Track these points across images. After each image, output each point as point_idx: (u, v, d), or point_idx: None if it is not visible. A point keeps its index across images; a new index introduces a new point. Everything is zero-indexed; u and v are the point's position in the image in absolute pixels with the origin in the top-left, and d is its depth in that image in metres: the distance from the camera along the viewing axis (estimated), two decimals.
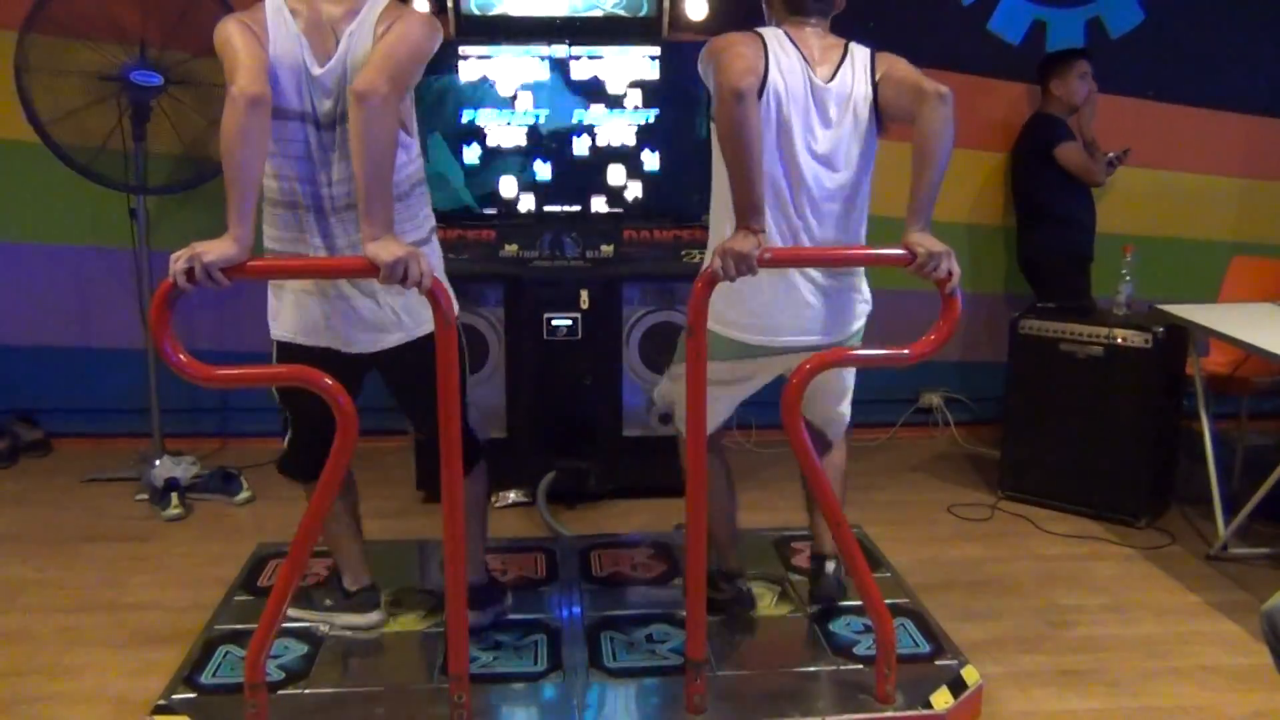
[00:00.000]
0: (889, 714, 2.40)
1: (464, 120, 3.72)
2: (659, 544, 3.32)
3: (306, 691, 2.47)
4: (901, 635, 2.67)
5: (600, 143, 3.76)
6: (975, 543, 3.60)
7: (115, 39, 3.83)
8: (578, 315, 3.69)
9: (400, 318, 2.43)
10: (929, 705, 2.42)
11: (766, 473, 4.14)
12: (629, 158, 3.78)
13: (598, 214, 3.79)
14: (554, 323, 3.69)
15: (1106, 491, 3.72)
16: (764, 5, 2.60)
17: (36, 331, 4.36)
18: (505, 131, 3.74)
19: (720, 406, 2.61)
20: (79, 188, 3.92)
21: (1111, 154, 4.35)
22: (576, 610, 2.89)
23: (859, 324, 2.64)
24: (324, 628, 2.73)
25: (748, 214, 2.25)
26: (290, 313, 2.44)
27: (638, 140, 3.76)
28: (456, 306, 2.33)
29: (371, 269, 2.11)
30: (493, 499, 3.79)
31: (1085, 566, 3.41)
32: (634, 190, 3.79)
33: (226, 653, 2.61)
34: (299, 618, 2.74)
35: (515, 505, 3.82)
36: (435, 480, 2.41)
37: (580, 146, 3.77)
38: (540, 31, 3.72)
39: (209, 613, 2.86)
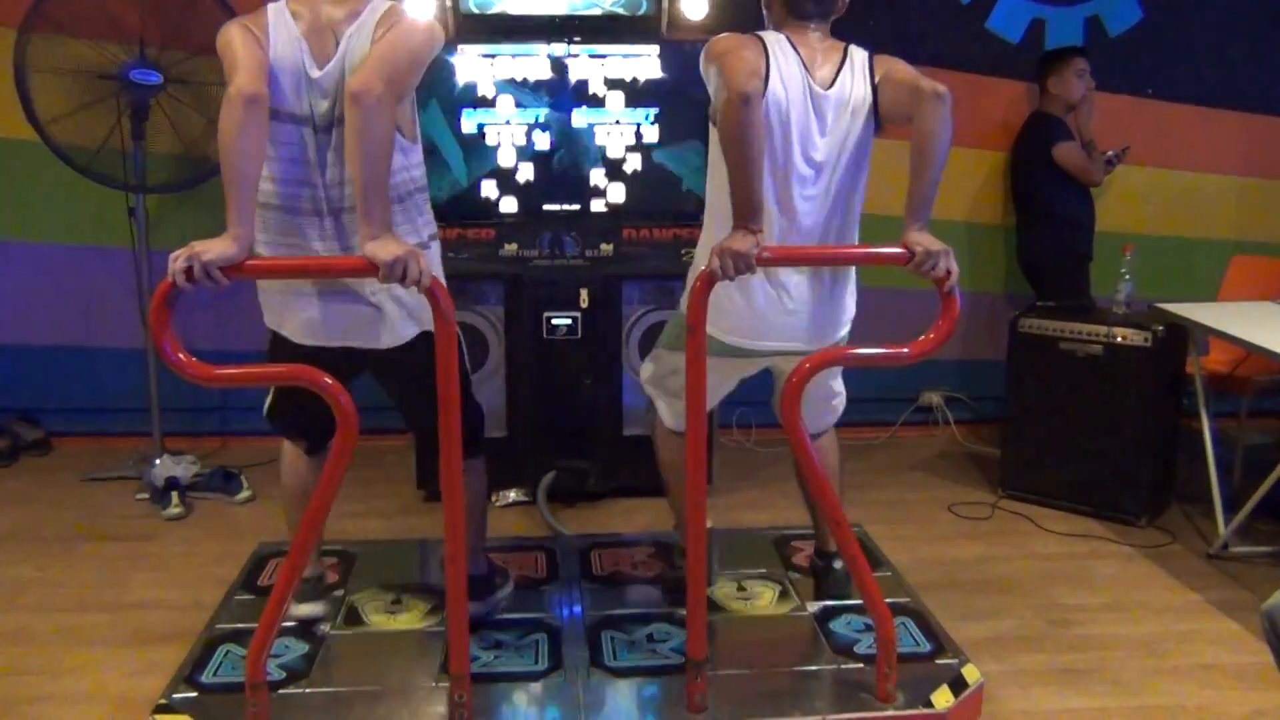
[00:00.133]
0: (890, 713, 2.40)
1: (464, 120, 3.72)
2: (659, 543, 3.31)
3: (307, 691, 2.47)
4: (902, 634, 2.67)
5: (600, 141, 3.76)
6: (975, 542, 3.60)
7: (115, 38, 3.83)
8: (578, 314, 3.69)
9: (394, 318, 2.43)
10: (930, 704, 2.42)
11: (766, 472, 4.15)
12: (629, 157, 3.77)
13: (597, 213, 3.79)
14: (554, 322, 3.69)
15: (1106, 490, 3.72)
16: (764, 8, 2.59)
17: (36, 331, 4.36)
18: (505, 130, 3.73)
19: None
20: (79, 187, 3.93)
21: (1110, 152, 4.35)
22: (577, 609, 2.89)
23: (844, 331, 2.65)
24: None
25: (747, 214, 2.24)
26: (282, 310, 2.44)
27: (637, 139, 3.76)
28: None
29: (370, 268, 2.11)
30: (493, 498, 3.79)
31: (1085, 565, 3.41)
32: (633, 189, 3.79)
33: (227, 652, 2.61)
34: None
35: (515, 504, 3.82)
36: (435, 479, 2.42)
37: (580, 145, 3.77)
38: (539, 30, 3.72)
39: (209, 612, 2.86)
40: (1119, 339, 3.66)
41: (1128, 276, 3.79)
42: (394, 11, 2.32)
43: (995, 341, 4.29)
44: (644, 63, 3.73)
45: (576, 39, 3.71)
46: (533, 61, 3.71)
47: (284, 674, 2.52)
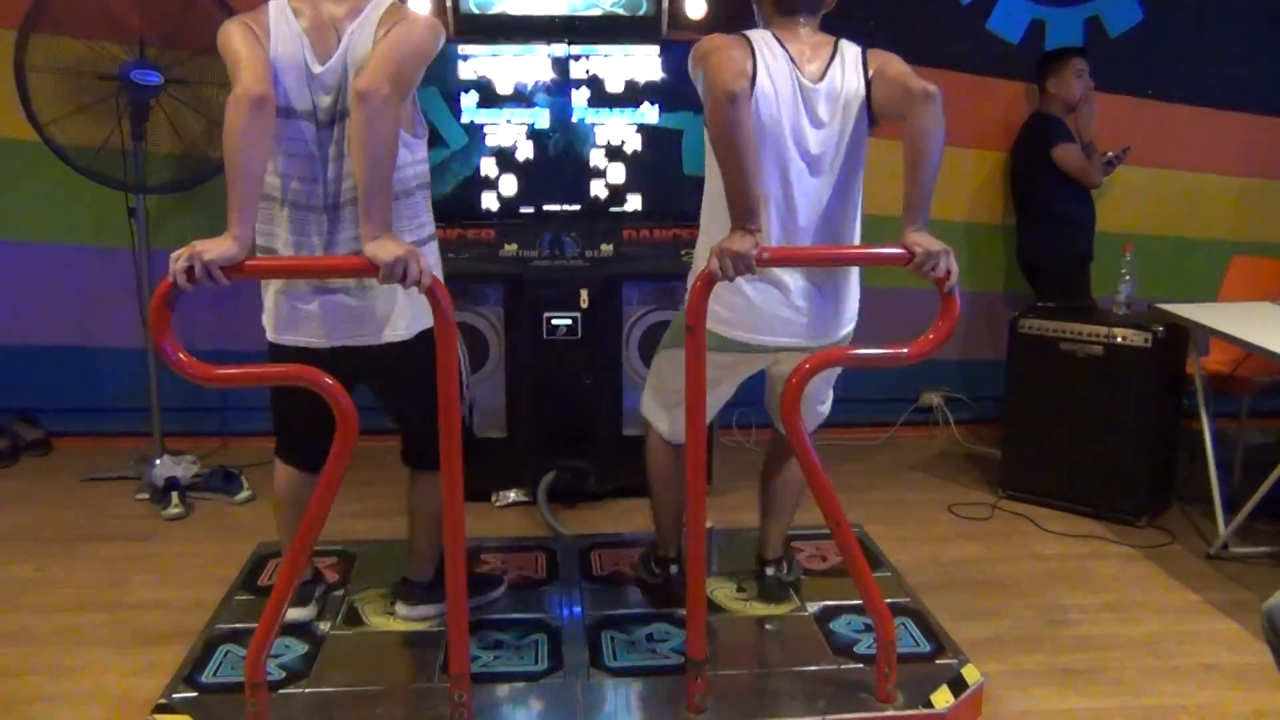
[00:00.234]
0: (889, 713, 2.40)
1: (464, 120, 3.72)
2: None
3: (307, 691, 2.47)
4: (902, 634, 2.67)
5: (600, 142, 3.76)
6: (975, 542, 3.60)
7: (115, 38, 3.83)
8: (577, 315, 3.69)
9: (390, 317, 2.43)
10: (929, 704, 2.42)
11: None
12: (629, 157, 3.78)
13: (597, 213, 3.79)
14: (554, 322, 3.69)
15: (1107, 491, 3.72)
16: (754, 6, 2.59)
17: (36, 331, 4.36)
18: (505, 131, 3.74)
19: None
20: (79, 187, 3.93)
21: (1111, 153, 4.35)
22: (577, 610, 2.89)
23: (847, 329, 2.64)
24: None
25: (744, 214, 2.24)
26: (278, 311, 2.44)
27: (637, 139, 3.76)
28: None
29: (371, 268, 2.11)
30: (493, 498, 3.80)
31: (1085, 566, 3.41)
32: (634, 189, 3.79)
33: (227, 652, 2.61)
34: None
35: (515, 504, 3.82)
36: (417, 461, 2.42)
37: (580, 146, 3.77)
38: (540, 30, 3.72)
39: (209, 612, 2.86)
40: (1119, 339, 3.66)
41: (1128, 277, 3.79)
42: (396, 8, 2.33)
43: (995, 342, 4.29)
44: (644, 63, 3.73)
45: (577, 39, 3.71)
46: (533, 61, 3.71)
47: (284, 674, 2.52)
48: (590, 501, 3.83)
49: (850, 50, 2.49)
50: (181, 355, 2.06)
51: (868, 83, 2.45)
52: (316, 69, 2.29)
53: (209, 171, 3.87)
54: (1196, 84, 4.64)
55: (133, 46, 3.80)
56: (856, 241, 2.60)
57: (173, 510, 3.73)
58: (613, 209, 3.79)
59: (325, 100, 2.30)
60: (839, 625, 2.77)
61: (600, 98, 3.74)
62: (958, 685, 2.49)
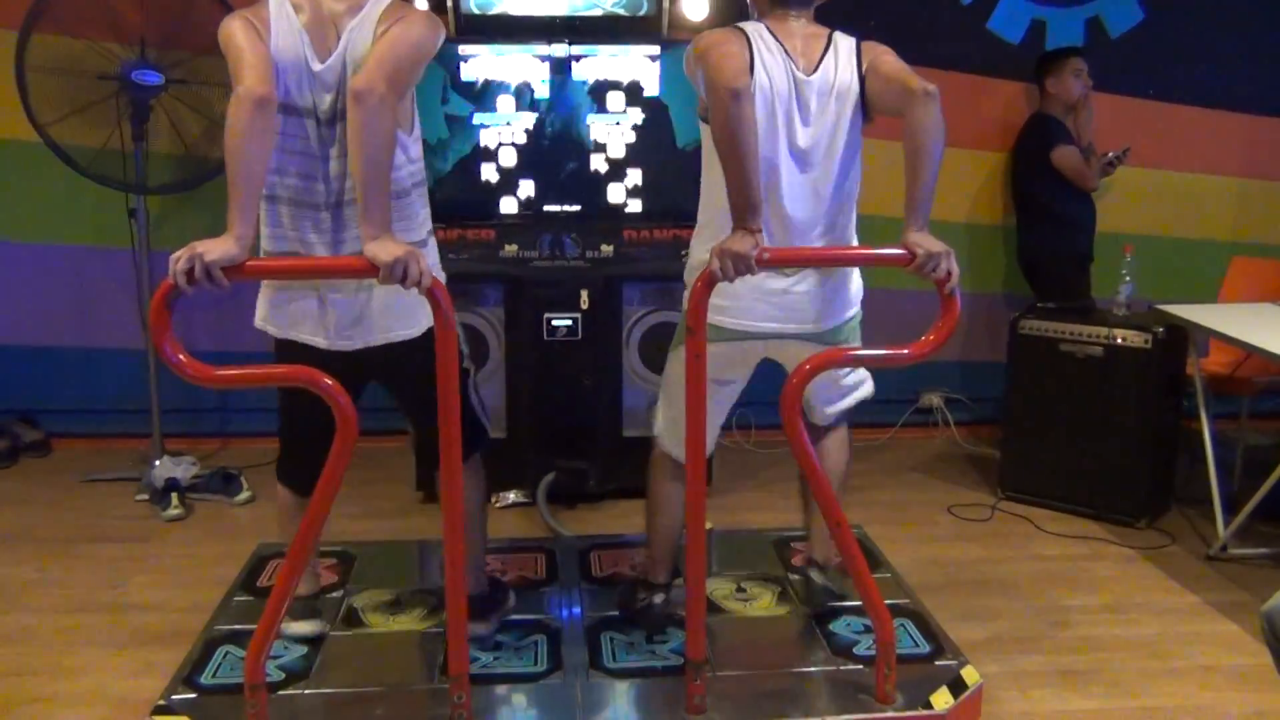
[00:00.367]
0: (889, 714, 2.39)
1: (464, 120, 3.72)
2: None
3: (306, 692, 2.47)
4: (901, 635, 2.67)
5: (600, 142, 3.76)
6: (975, 543, 3.60)
7: (115, 38, 3.83)
8: (578, 315, 3.68)
9: (390, 317, 2.43)
10: (929, 705, 2.42)
11: (766, 473, 4.15)
12: (629, 157, 3.77)
13: (598, 214, 3.79)
14: (554, 323, 3.68)
15: (1106, 492, 3.72)
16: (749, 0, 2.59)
17: (36, 331, 4.36)
18: (504, 131, 3.73)
19: (709, 417, 2.47)
20: (79, 187, 3.93)
21: (1111, 153, 4.35)
22: (576, 610, 2.89)
23: (851, 312, 2.61)
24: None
25: (745, 213, 2.24)
26: (293, 314, 2.44)
27: (638, 139, 3.76)
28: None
29: (371, 269, 2.11)
30: (493, 499, 3.79)
31: (1085, 567, 3.41)
32: (634, 190, 3.79)
33: (226, 653, 2.61)
34: None
35: (515, 505, 3.82)
36: (434, 481, 2.42)
37: (580, 146, 3.76)
38: (540, 31, 3.72)
39: (209, 613, 2.85)
40: (1119, 340, 3.66)
41: (1128, 278, 3.79)
42: (396, 6, 2.32)
43: (995, 343, 4.29)
44: (645, 63, 3.73)
45: (577, 39, 3.71)
46: (533, 62, 3.71)
47: (283, 675, 2.52)
48: (590, 502, 3.83)
49: (844, 43, 2.48)
50: (181, 356, 2.06)
51: (861, 77, 2.44)
52: (316, 66, 2.29)
53: (209, 172, 3.87)
54: (1197, 84, 4.64)
55: (133, 46, 3.80)
56: (853, 238, 2.59)
57: (172, 511, 3.73)
58: (613, 209, 3.79)
59: (326, 98, 2.30)
60: (838, 626, 2.77)
61: (600, 98, 3.74)
62: (957, 686, 2.49)
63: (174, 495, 3.77)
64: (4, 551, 3.44)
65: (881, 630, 2.41)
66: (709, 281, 2.23)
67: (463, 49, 3.68)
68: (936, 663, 2.60)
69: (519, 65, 3.71)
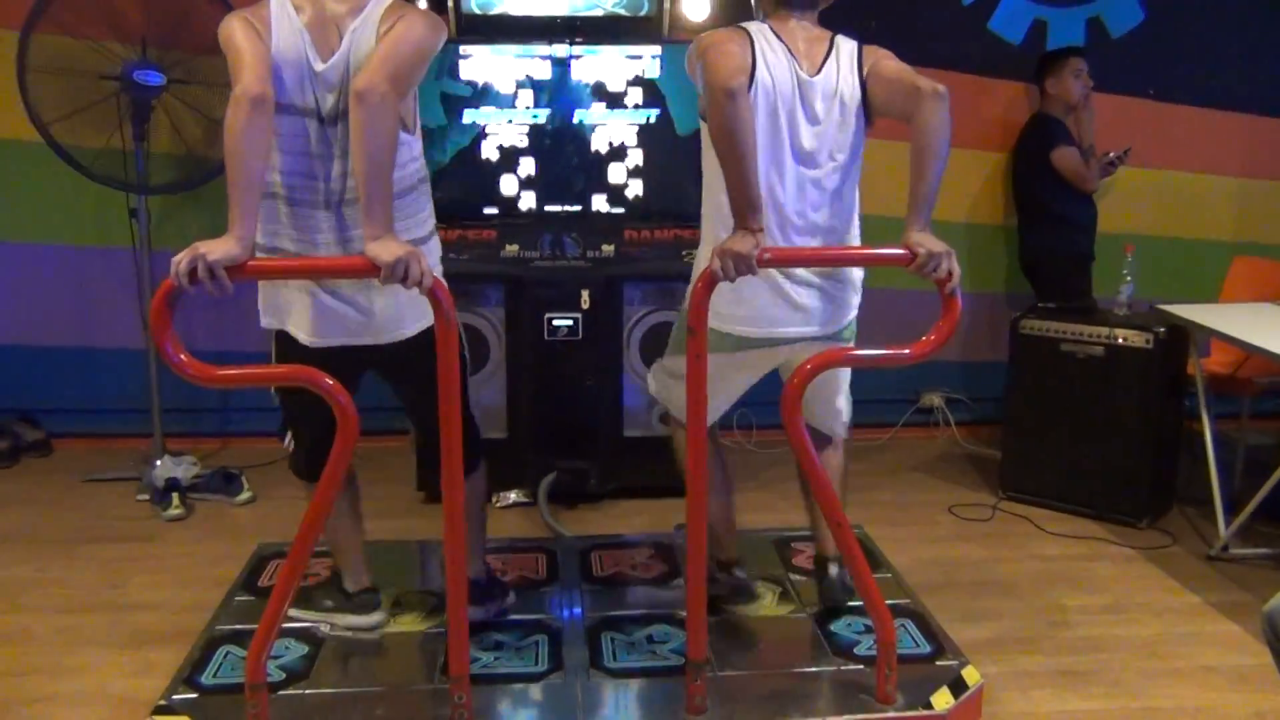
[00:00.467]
0: (889, 714, 2.39)
1: (464, 120, 3.72)
2: (659, 544, 3.31)
3: (307, 692, 2.47)
4: (902, 636, 2.67)
5: (600, 142, 3.76)
6: (976, 543, 3.60)
7: (117, 38, 3.83)
8: (578, 315, 3.68)
9: (393, 316, 2.43)
10: (929, 706, 2.42)
11: (767, 473, 4.14)
12: (629, 157, 3.77)
13: (598, 214, 3.79)
14: (555, 323, 3.68)
15: (1107, 492, 3.72)
16: (753, 0, 2.59)
17: (37, 331, 4.36)
18: (505, 131, 3.73)
19: (717, 401, 2.58)
20: (81, 188, 3.93)
21: (1112, 153, 4.35)
22: (577, 611, 2.89)
23: (852, 314, 2.63)
24: (325, 628, 2.73)
25: (745, 213, 2.24)
26: (285, 307, 2.44)
27: (638, 140, 3.76)
28: None
29: (372, 269, 2.11)
30: (493, 499, 3.79)
31: (1086, 567, 3.41)
32: (634, 190, 3.79)
33: (227, 653, 2.61)
34: (300, 618, 2.74)
35: (516, 505, 3.82)
36: (435, 481, 2.42)
37: (580, 146, 3.77)
38: (540, 31, 3.72)
39: (209, 613, 2.85)
40: (1120, 340, 3.65)
41: (1129, 278, 3.79)
42: (398, 5, 2.32)
43: (996, 342, 4.29)
44: (645, 63, 3.73)
45: (578, 40, 3.71)
46: (534, 62, 3.71)
47: (284, 675, 2.52)
48: (590, 502, 3.83)
49: (846, 46, 2.48)
50: (182, 356, 2.06)
51: (863, 81, 2.44)
52: (319, 66, 2.29)
53: (210, 172, 3.87)
54: (1197, 84, 4.64)
55: (134, 46, 3.80)
56: (855, 239, 2.60)
57: (173, 511, 3.73)
58: (614, 210, 3.79)
59: (328, 98, 2.30)
60: (839, 626, 2.77)
61: (601, 98, 3.74)
62: (958, 687, 2.49)
63: (175, 495, 3.77)
64: (4, 551, 3.44)
65: (882, 630, 2.41)
66: (709, 281, 2.23)
67: (463, 49, 3.68)
68: (937, 663, 2.60)
69: (519, 65, 3.71)
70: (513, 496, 3.83)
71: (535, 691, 2.50)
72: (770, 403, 2.84)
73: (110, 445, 4.32)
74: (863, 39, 2.52)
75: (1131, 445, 3.66)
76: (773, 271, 2.46)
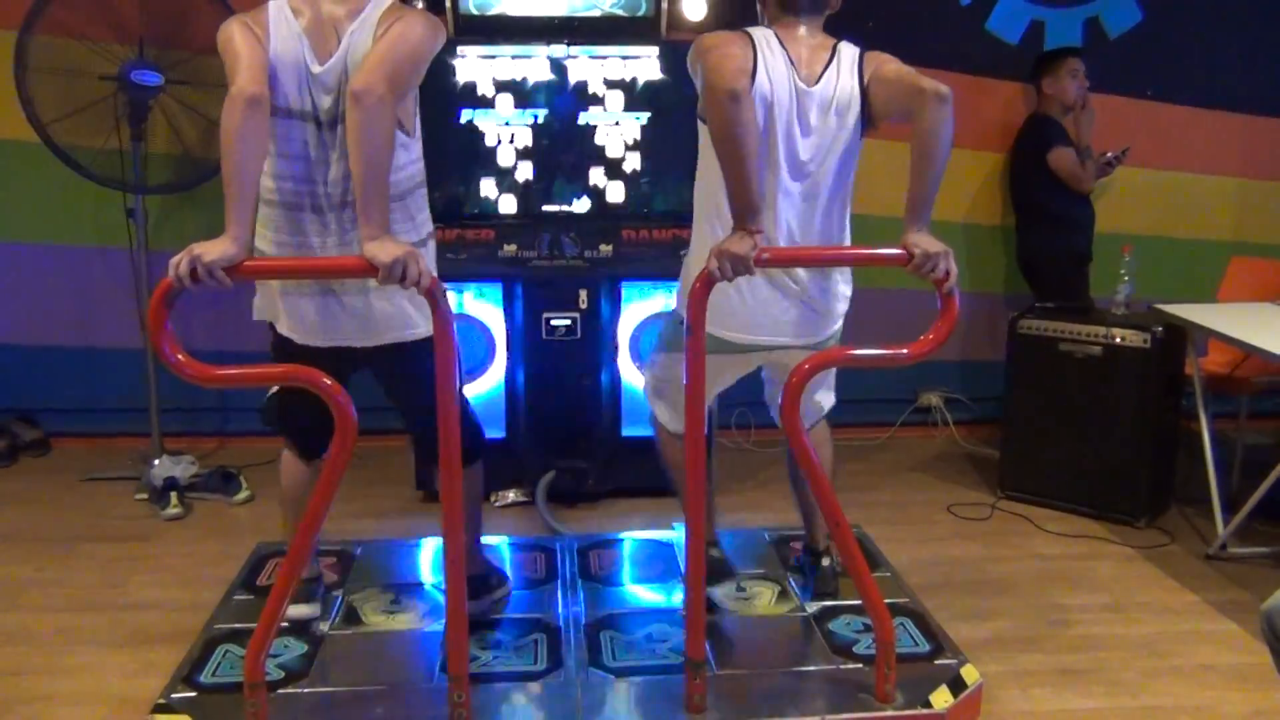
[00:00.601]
0: (889, 713, 2.40)
1: (463, 120, 3.72)
2: (659, 543, 3.31)
3: (306, 691, 2.47)
4: (901, 634, 2.67)
5: (599, 142, 3.76)
6: (975, 542, 3.60)
7: (115, 38, 3.83)
8: (577, 315, 3.69)
9: (391, 318, 2.43)
10: (928, 704, 2.42)
11: (765, 473, 4.15)
12: (628, 157, 3.77)
13: (597, 214, 3.79)
14: (553, 322, 3.69)
15: (1106, 491, 3.72)
16: (758, 4, 2.59)
17: (36, 331, 4.36)
18: (503, 131, 3.73)
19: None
20: (79, 188, 3.93)
21: (1110, 153, 4.35)
22: (576, 610, 2.89)
23: (837, 325, 2.64)
24: None
25: (744, 214, 2.24)
26: (280, 308, 2.45)
27: (636, 140, 3.76)
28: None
29: (370, 269, 2.11)
30: (492, 498, 3.80)
31: (1085, 566, 3.41)
32: (633, 190, 3.79)
33: (226, 652, 2.61)
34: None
35: (515, 505, 3.82)
36: (433, 479, 2.43)
37: (579, 146, 3.76)
38: (539, 31, 3.72)
39: (208, 612, 2.86)
40: (1118, 340, 3.66)
41: (1127, 277, 3.79)
42: (396, 7, 2.32)
43: (995, 342, 4.29)
44: (643, 64, 3.73)
45: (576, 40, 3.71)
46: (532, 62, 3.71)
47: (282, 674, 2.52)
48: (589, 502, 3.83)
49: (848, 53, 2.47)
50: (180, 356, 2.06)
51: (863, 88, 2.43)
52: (316, 69, 2.29)
53: (208, 172, 3.87)
54: (1196, 84, 4.64)
55: (133, 47, 3.80)
56: (847, 241, 2.60)
57: (172, 510, 3.73)
58: (612, 209, 3.79)
59: (326, 101, 2.30)
60: (838, 625, 2.77)
61: (599, 98, 3.74)
62: (957, 685, 2.49)
63: (173, 494, 3.77)
64: (4, 551, 3.43)
65: (881, 629, 2.41)
66: (707, 282, 2.23)
67: (462, 49, 3.68)
68: (936, 662, 2.60)
69: (518, 65, 3.71)
70: (511, 495, 3.84)
71: (534, 690, 2.50)
72: (764, 399, 2.86)
73: (109, 445, 4.32)
74: (863, 41, 2.52)
75: (1130, 444, 3.66)
76: (757, 280, 2.46)
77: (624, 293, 3.75)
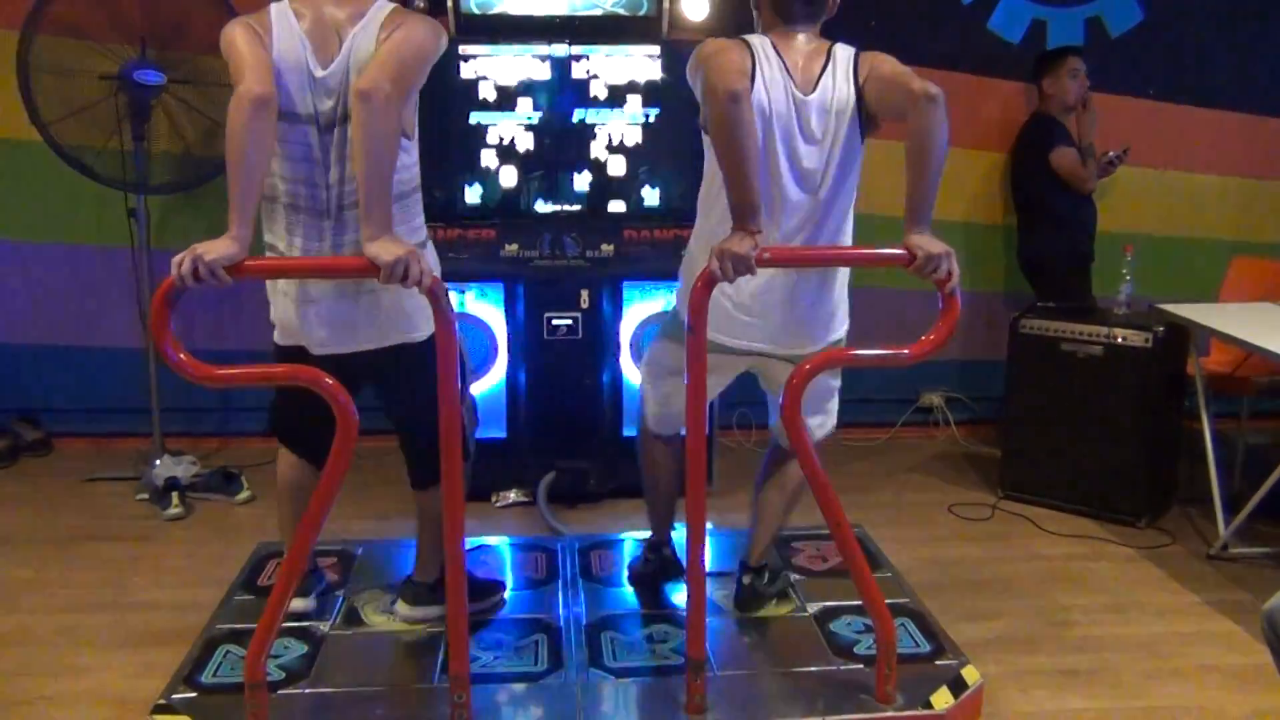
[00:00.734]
0: (889, 714, 2.39)
1: (464, 120, 3.72)
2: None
3: (306, 691, 2.47)
4: (902, 635, 2.67)
5: (600, 142, 3.76)
6: (975, 543, 3.60)
7: (117, 38, 3.83)
8: (578, 315, 3.69)
9: (388, 322, 2.43)
10: (929, 705, 2.42)
11: None
12: (629, 157, 3.77)
13: (598, 213, 3.79)
14: (554, 322, 3.69)
15: (1107, 491, 3.72)
16: (754, 11, 2.58)
17: (37, 331, 4.36)
18: (505, 131, 3.73)
19: (678, 406, 2.52)
20: (80, 187, 3.93)
21: (1112, 153, 4.35)
22: (577, 610, 2.89)
23: (835, 335, 2.61)
24: None
25: (745, 215, 2.23)
26: (282, 315, 2.45)
27: (637, 139, 3.76)
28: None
29: (371, 269, 2.11)
30: (493, 498, 3.80)
31: (1085, 566, 3.41)
32: (634, 190, 3.79)
33: (227, 652, 2.61)
34: None
35: (515, 505, 3.82)
36: (418, 477, 2.44)
37: (580, 146, 3.76)
38: (540, 31, 3.72)
39: (209, 612, 2.85)
40: (1119, 339, 3.66)
41: (1128, 277, 3.79)
42: (399, 12, 2.33)
43: (995, 342, 4.29)
44: (645, 63, 3.73)
45: (577, 39, 3.71)
46: (533, 62, 3.71)
47: (283, 674, 2.52)
48: (590, 502, 3.83)
49: (842, 56, 2.45)
50: (182, 355, 2.06)
51: (859, 90, 2.41)
52: (318, 72, 2.29)
53: (210, 172, 3.87)
54: (1197, 84, 4.64)
55: (135, 46, 3.80)
56: (849, 244, 2.60)
57: (173, 511, 3.73)
58: (613, 209, 3.79)
59: (327, 104, 2.30)
60: (839, 626, 2.77)
61: (600, 98, 3.74)
62: (957, 686, 2.49)
63: (174, 494, 3.77)
64: (4, 552, 3.44)
65: (882, 630, 2.41)
66: (709, 281, 2.22)
67: (462, 49, 3.68)
68: (937, 662, 2.60)
69: (519, 65, 3.71)
70: (512, 496, 3.84)
71: (535, 691, 2.50)
72: (765, 403, 2.86)
73: (110, 445, 4.32)
74: (865, 41, 2.51)
75: (1131, 445, 3.66)
76: (748, 287, 2.45)
77: (625, 292, 3.74)
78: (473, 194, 3.76)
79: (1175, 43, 4.59)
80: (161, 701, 2.41)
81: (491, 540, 3.34)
